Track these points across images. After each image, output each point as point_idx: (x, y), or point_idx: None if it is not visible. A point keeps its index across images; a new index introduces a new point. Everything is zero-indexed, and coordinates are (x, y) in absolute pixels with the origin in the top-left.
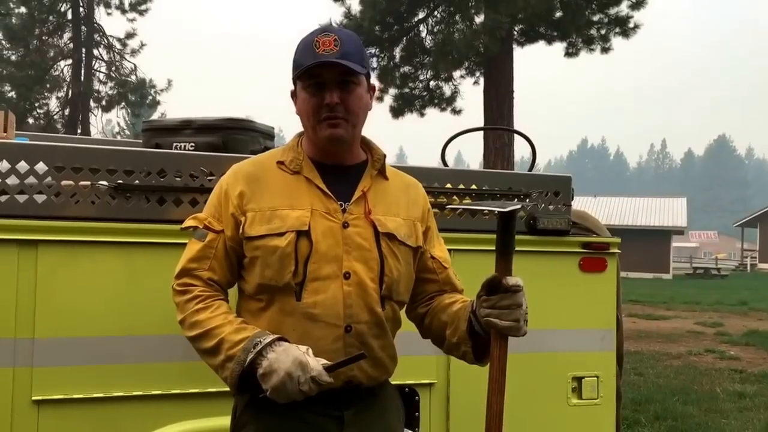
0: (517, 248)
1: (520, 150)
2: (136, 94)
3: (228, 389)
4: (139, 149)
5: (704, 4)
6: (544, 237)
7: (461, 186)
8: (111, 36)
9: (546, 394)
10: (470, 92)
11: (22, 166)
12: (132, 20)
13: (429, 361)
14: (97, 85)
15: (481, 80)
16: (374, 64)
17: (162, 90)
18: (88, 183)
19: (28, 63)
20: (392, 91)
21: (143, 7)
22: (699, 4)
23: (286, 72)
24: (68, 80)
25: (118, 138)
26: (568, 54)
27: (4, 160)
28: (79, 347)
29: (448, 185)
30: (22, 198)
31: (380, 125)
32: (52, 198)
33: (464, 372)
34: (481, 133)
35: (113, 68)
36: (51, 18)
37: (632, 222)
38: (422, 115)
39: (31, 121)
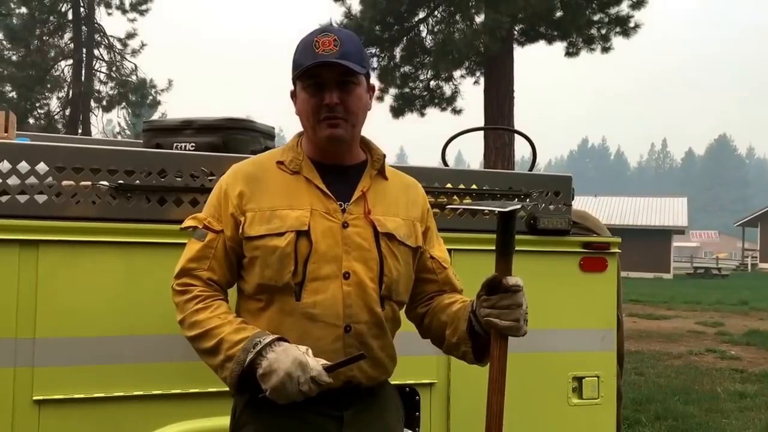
0: (517, 248)
1: (521, 150)
2: (137, 95)
3: (228, 389)
4: (140, 149)
5: (705, 4)
6: (545, 237)
7: (462, 186)
8: (112, 36)
9: (547, 394)
10: (470, 92)
11: (23, 166)
12: (132, 20)
13: (429, 361)
14: (97, 86)
15: (482, 80)
16: (374, 64)
17: (162, 90)
18: (89, 183)
19: (28, 63)
20: (392, 90)
21: (144, 8)
22: (700, 4)
23: (286, 72)
24: (69, 80)
25: (119, 138)
26: (568, 54)
27: (6, 161)
28: (80, 347)
29: (449, 185)
30: (23, 198)
31: (381, 125)
32: (53, 198)
33: (465, 372)
34: (482, 132)
35: (114, 68)
36: (52, 18)
37: (633, 222)
38: (422, 115)
39: (32, 121)
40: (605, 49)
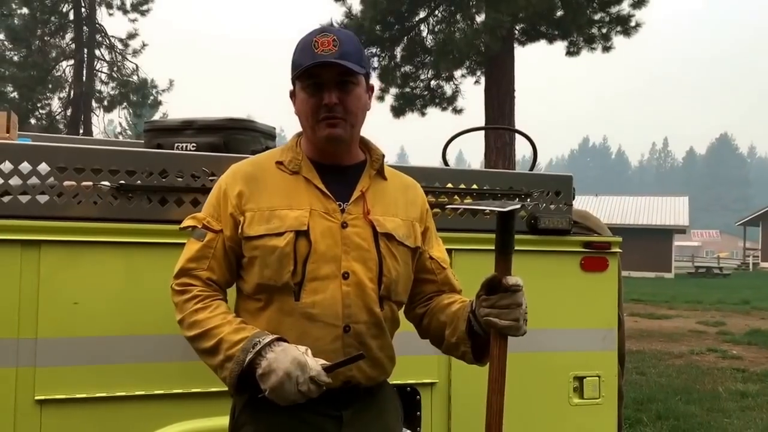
0: (518, 248)
1: (522, 149)
2: (138, 95)
3: (228, 389)
4: (141, 150)
5: (710, 4)
6: (546, 236)
7: (462, 186)
8: (113, 36)
9: (547, 394)
10: (471, 91)
11: (25, 166)
12: (133, 20)
13: (430, 360)
14: (99, 86)
15: (482, 79)
16: (375, 64)
17: (164, 90)
18: (91, 183)
19: (30, 63)
20: (393, 90)
21: (145, 8)
22: (705, 4)
23: (286, 72)
24: (70, 81)
25: (120, 138)
26: (569, 53)
27: (7, 161)
28: (81, 347)
29: (449, 185)
30: (24, 198)
31: (381, 125)
32: (54, 198)
33: (466, 372)
34: (483, 132)
35: (115, 68)
36: (53, 19)
37: (634, 221)
38: (423, 114)
39: (33, 121)
40: (606, 49)
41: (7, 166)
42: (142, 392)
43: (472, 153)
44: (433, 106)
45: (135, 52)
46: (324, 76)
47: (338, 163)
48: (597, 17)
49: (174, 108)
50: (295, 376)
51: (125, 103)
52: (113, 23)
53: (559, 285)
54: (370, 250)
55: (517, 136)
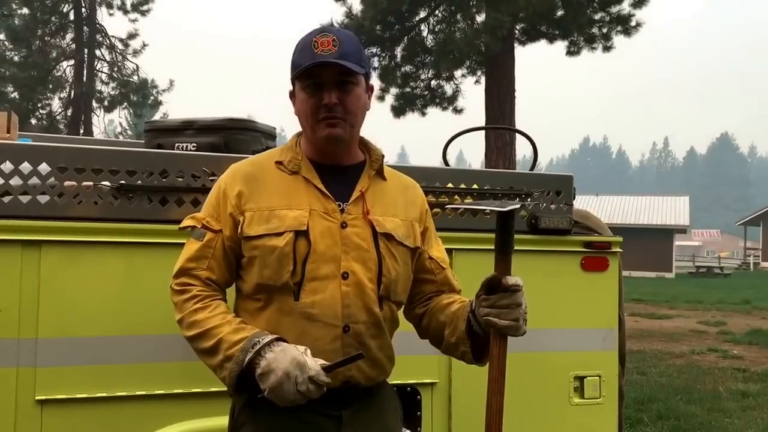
0: (518, 247)
1: (522, 149)
2: (138, 95)
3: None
4: (142, 150)
5: (707, 5)
6: (546, 236)
7: (463, 185)
8: (113, 36)
9: (548, 394)
10: (472, 91)
11: (26, 166)
12: (134, 21)
13: (431, 360)
14: (99, 86)
15: (483, 79)
16: (375, 64)
17: (164, 90)
18: (91, 183)
19: (30, 64)
20: (393, 90)
21: (145, 8)
22: (706, 5)
23: (286, 72)
24: (71, 81)
25: (121, 138)
26: (569, 53)
27: (8, 161)
28: (82, 347)
29: (450, 185)
30: (25, 198)
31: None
32: (55, 198)
33: (466, 372)
34: (483, 132)
35: (115, 69)
36: (53, 19)
37: (634, 221)
38: (424, 114)
39: (33, 121)
40: (606, 48)
41: (7, 166)
42: (143, 392)
43: (472, 153)
44: (433, 106)
45: (135, 52)
46: (324, 76)
47: (338, 163)
48: (597, 17)
49: (174, 108)
50: (294, 376)
51: (125, 104)
52: (113, 23)
53: (559, 285)
54: (370, 250)
55: (518, 136)
